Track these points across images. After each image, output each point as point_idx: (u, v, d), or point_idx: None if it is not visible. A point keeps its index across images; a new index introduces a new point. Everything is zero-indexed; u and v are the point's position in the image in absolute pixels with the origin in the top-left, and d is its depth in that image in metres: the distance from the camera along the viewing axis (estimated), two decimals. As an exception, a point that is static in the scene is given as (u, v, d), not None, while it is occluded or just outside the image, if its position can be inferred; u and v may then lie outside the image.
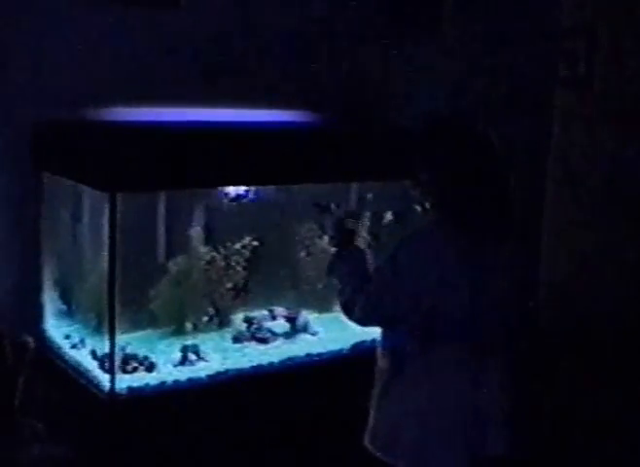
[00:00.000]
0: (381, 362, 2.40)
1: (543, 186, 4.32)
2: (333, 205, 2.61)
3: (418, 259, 2.21)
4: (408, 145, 2.33)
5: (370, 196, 3.35)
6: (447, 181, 2.23)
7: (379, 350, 2.41)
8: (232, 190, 3.08)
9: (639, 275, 3.92)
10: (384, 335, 2.39)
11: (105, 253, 2.63)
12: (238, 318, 3.23)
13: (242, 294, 3.20)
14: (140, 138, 2.69)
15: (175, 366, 2.85)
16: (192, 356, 2.90)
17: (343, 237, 2.47)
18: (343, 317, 3.29)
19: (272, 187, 3.16)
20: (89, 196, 2.90)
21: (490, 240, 2.24)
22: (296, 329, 3.23)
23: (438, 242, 2.21)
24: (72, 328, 3.02)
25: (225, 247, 3.14)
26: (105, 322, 2.66)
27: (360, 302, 2.29)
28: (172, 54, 3.09)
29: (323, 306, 3.42)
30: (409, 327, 2.25)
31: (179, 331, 3.08)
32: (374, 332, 2.52)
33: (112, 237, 2.57)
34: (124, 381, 2.68)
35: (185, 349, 2.91)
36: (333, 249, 2.52)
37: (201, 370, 2.85)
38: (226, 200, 3.10)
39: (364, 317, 2.33)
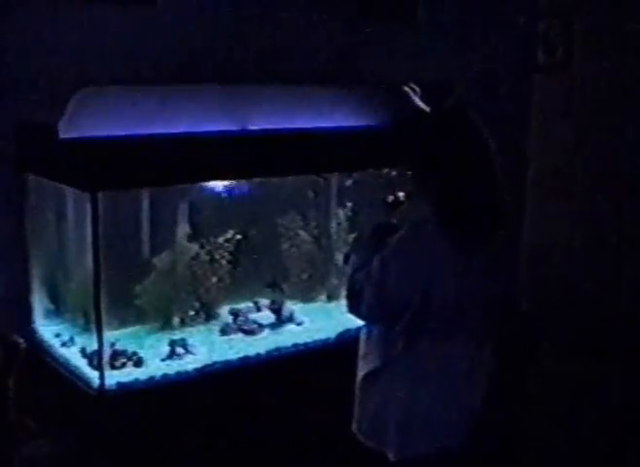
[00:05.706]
0: (367, 349, 2.43)
1: (524, 175, 4.35)
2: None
3: (409, 254, 2.22)
4: (399, 136, 2.35)
5: (349, 182, 3.40)
6: (443, 173, 2.22)
7: (364, 337, 2.44)
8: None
9: (620, 260, 3.96)
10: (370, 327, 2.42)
11: (90, 252, 2.66)
12: (224, 311, 3.26)
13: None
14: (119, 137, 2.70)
15: (163, 360, 2.89)
16: (180, 350, 2.93)
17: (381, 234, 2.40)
18: (327, 306, 3.40)
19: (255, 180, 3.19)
20: (72, 195, 2.92)
21: (481, 235, 2.25)
22: (281, 319, 3.26)
23: (430, 238, 2.21)
24: (62, 327, 3.05)
25: (208, 242, 3.17)
26: (93, 320, 2.68)
27: (347, 290, 2.34)
28: (149, 51, 3.11)
29: (307, 296, 3.48)
30: (399, 323, 2.28)
31: (167, 326, 3.11)
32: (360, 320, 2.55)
33: (94, 236, 2.59)
34: (114, 377, 2.71)
35: (173, 343, 2.94)
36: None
37: (189, 363, 2.88)
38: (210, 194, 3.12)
39: (348, 304, 2.38)
